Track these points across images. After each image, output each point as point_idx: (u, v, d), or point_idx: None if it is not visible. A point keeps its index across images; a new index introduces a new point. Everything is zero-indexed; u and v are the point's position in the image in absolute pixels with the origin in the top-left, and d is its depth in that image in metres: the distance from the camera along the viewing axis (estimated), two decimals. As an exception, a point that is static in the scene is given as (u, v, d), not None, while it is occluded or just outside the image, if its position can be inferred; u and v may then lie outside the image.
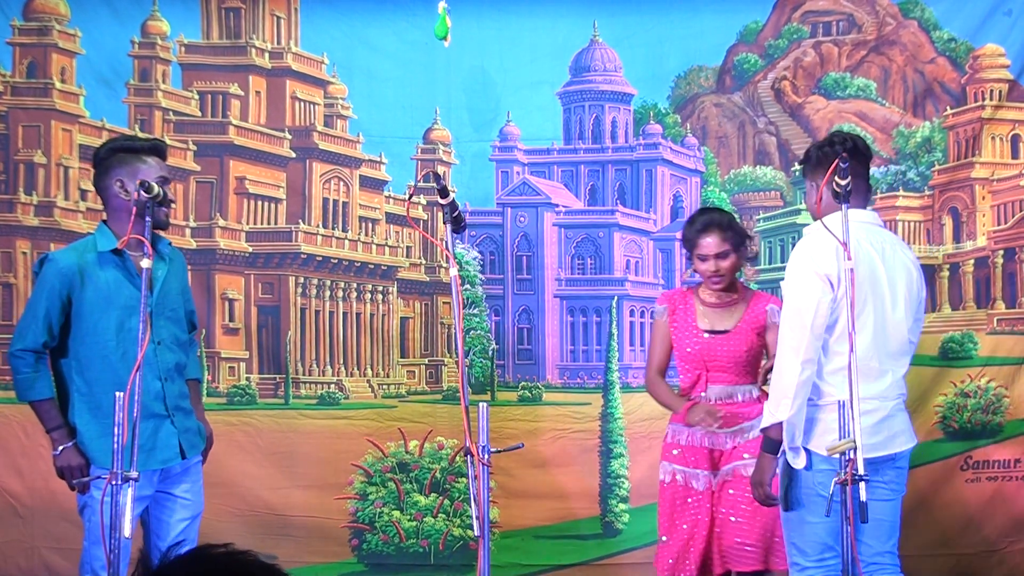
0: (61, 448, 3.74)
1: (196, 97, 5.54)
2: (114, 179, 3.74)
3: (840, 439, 3.22)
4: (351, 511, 5.39)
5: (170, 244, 3.98)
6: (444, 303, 5.55)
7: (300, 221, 5.56)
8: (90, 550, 3.69)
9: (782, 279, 5.65)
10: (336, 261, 5.57)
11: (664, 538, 4.17)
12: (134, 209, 3.58)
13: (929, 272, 5.52)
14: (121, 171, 3.73)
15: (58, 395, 3.81)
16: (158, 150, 3.84)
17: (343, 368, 5.51)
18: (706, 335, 4.15)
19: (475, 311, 5.51)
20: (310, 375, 5.50)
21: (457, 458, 5.28)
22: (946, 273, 5.52)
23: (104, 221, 3.81)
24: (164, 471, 3.79)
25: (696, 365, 4.16)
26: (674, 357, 4.24)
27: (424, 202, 5.47)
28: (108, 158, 3.77)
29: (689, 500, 4.13)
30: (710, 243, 4.09)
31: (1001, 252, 5.45)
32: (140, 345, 3.33)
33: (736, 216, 5.59)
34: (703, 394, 4.15)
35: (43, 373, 3.77)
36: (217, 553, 1.52)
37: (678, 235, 4.45)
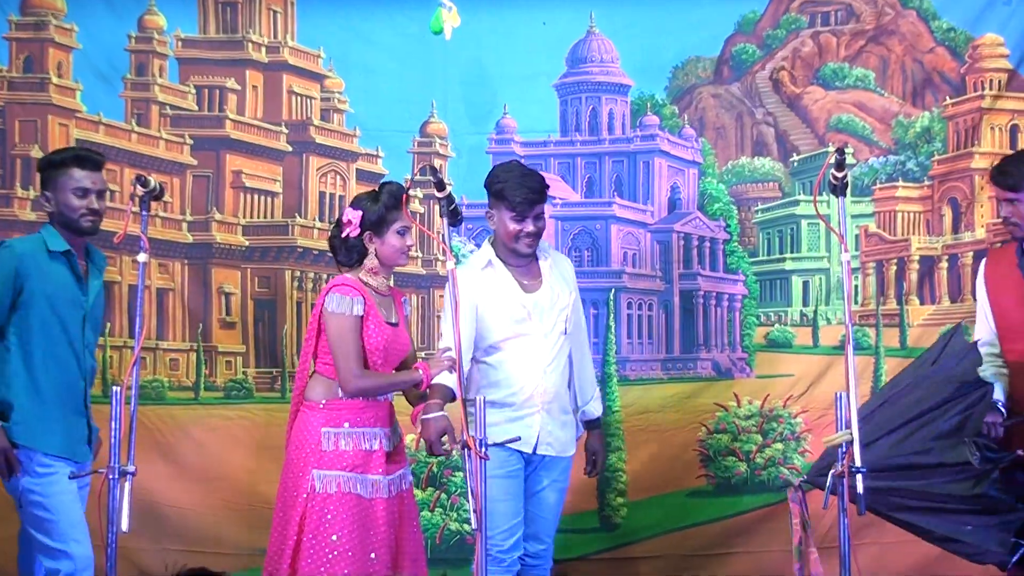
0: None
1: (193, 91, 5.54)
2: (43, 192, 3.95)
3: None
4: (349, 505, 5.38)
5: (102, 255, 4.12)
6: (440, 296, 5.54)
7: (296, 215, 5.55)
8: (37, 538, 3.83)
9: (779, 270, 5.67)
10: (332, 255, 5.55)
11: None
12: (130, 211, 3.65)
13: (928, 264, 5.51)
14: (48, 185, 3.94)
15: None
16: (82, 160, 3.94)
17: (340, 362, 5.48)
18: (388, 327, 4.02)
19: (471, 304, 5.48)
20: (307, 369, 5.49)
21: (454, 452, 5.25)
22: (945, 265, 5.50)
23: (49, 222, 3.94)
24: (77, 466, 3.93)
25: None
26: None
27: (421, 195, 5.45)
28: (42, 172, 3.99)
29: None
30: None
31: (998, 244, 5.43)
32: (137, 343, 3.45)
33: (734, 209, 5.64)
34: None
35: None
36: None
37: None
